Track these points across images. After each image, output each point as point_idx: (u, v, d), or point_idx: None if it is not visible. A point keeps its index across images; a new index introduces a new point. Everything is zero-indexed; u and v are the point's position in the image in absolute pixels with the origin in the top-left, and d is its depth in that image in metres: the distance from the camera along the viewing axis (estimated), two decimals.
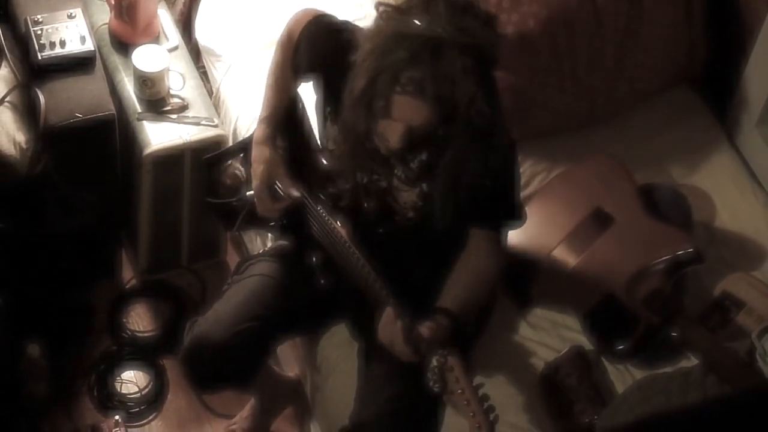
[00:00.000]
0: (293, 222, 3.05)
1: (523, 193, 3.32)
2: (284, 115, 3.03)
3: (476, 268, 2.85)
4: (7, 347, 3.33)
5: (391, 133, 2.67)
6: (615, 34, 3.46)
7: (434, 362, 2.59)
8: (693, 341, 3.11)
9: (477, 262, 2.86)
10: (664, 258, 3.18)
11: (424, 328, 2.70)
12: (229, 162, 3.14)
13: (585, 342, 3.17)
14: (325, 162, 2.98)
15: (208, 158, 3.19)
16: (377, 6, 2.70)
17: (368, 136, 2.74)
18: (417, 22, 2.56)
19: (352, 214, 2.92)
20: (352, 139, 2.76)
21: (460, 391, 2.57)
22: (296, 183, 3.00)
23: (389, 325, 2.70)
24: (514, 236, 3.14)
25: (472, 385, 2.57)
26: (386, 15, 2.64)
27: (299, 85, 3.04)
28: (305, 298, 3.02)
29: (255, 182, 3.00)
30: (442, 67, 2.53)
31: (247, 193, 3.08)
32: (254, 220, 3.11)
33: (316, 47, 2.89)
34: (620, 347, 3.13)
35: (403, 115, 2.63)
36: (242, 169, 3.12)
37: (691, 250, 3.19)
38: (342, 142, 2.81)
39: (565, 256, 3.25)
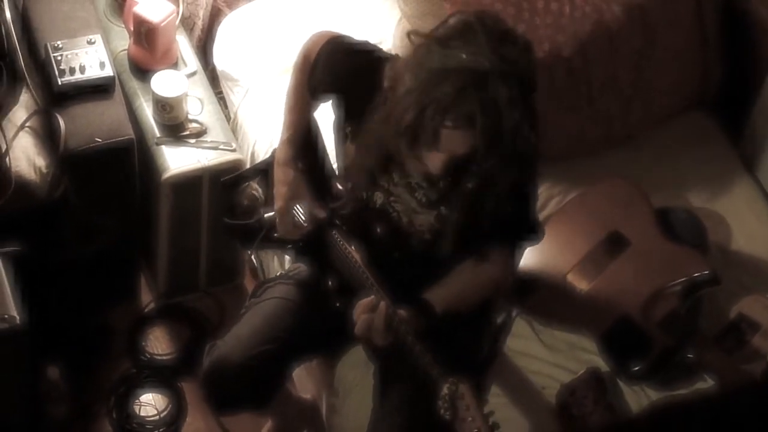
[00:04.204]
0: (310, 244, 3.06)
1: (539, 216, 3.31)
2: (305, 137, 3.05)
3: (477, 271, 2.87)
4: (27, 370, 3.34)
5: (434, 162, 2.67)
6: (629, 58, 3.47)
7: (445, 390, 2.60)
8: (709, 363, 3.11)
9: (481, 265, 2.87)
10: (680, 280, 3.18)
11: (404, 312, 2.74)
12: (247, 183, 3.16)
13: (601, 364, 3.16)
14: (339, 186, 2.99)
15: (227, 180, 3.21)
16: (409, 35, 2.69)
17: (397, 159, 2.75)
18: (462, 54, 2.56)
19: (366, 238, 2.93)
20: (380, 159, 2.78)
21: (470, 419, 2.57)
22: (317, 205, 3.01)
23: (368, 312, 2.74)
24: (530, 259, 3.16)
25: (482, 413, 2.57)
26: (426, 47, 2.63)
27: (317, 106, 3.05)
28: (323, 320, 3.02)
29: (278, 203, 3.00)
30: (488, 99, 2.53)
31: (266, 215, 3.09)
32: (272, 241, 3.12)
33: (335, 68, 2.90)
34: (636, 369, 3.13)
35: (449, 147, 2.62)
36: (260, 190, 3.13)
37: (707, 272, 3.18)
38: (363, 160, 2.82)
39: (581, 278, 3.25)
